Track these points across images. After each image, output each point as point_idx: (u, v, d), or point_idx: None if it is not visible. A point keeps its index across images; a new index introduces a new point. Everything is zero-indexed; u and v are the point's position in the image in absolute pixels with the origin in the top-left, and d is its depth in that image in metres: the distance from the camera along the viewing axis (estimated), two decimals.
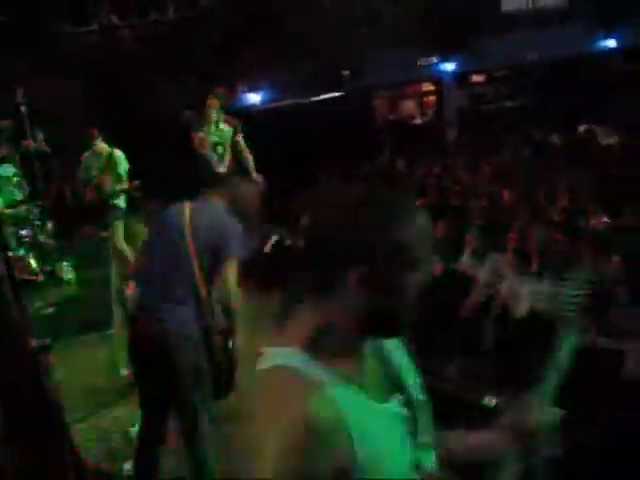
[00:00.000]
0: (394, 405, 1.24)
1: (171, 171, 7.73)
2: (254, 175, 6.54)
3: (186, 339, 3.05)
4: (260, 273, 7.36)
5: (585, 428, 3.01)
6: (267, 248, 7.52)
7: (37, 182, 8.17)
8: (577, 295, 2.73)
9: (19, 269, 6.30)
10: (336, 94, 12.49)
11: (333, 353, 1.16)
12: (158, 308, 3.08)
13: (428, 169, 9.06)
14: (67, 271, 6.76)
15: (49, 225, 8.27)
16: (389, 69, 12.45)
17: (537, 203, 6.28)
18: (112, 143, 6.63)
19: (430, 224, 1.23)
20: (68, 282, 6.72)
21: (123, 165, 6.50)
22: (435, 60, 14.02)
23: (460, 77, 14.58)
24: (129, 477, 3.67)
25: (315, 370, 1.13)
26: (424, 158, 9.88)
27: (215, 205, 3.17)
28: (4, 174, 7.40)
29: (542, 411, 1.40)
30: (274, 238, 7.56)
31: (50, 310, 6.29)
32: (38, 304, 6.31)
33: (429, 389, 1.33)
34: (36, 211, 7.82)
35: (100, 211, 6.51)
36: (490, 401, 3.42)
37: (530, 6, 14.29)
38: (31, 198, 7.70)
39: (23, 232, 7.34)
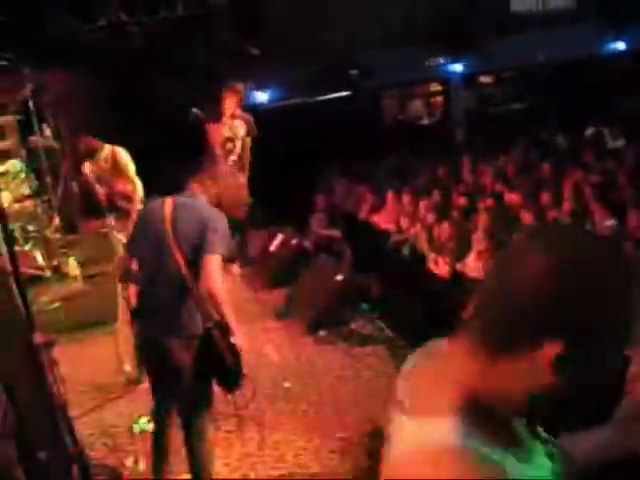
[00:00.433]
0: (544, 461, 1.03)
1: (178, 169, 7.71)
2: (244, 175, 6.45)
3: (182, 337, 3.04)
4: (266, 272, 7.38)
5: None
6: (273, 247, 7.53)
7: (44, 177, 8.20)
8: None
9: (25, 264, 6.31)
10: (344, 93, 12.48)
11: (492, 426, 0.95)
12: (155, 307, 3.10)
13: (434, 170, 9.04)
14: (73, 266, 6.77)
15: (56, 220, 8.31)
16: (397, 69, 12.42)
17: (543, 205, 6.25)
18: (117, 142, 6.60)
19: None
20: (74, 277, 6.73)
21: (131, 166, 6.48)
22: (443, 61, 13.97)
23: (468, 78, 14.53)
24: (133, 471, 3.68)
25: (493, 452, 0.91)
26: (431, 158, 9.84)
27: (197, 198, 3.12)
28: (11, 169, 7.42)
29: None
30: (280, 237, 7.57)
31: (55, 305, 6.32)
32: (44, 299, 6.34)
33: None
34: (43, 206, 7.85)
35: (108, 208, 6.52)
36: None
37: (540, 7, 14.23)
38: (38, 193, 7.72)
39: (30, 227, 7.37)
